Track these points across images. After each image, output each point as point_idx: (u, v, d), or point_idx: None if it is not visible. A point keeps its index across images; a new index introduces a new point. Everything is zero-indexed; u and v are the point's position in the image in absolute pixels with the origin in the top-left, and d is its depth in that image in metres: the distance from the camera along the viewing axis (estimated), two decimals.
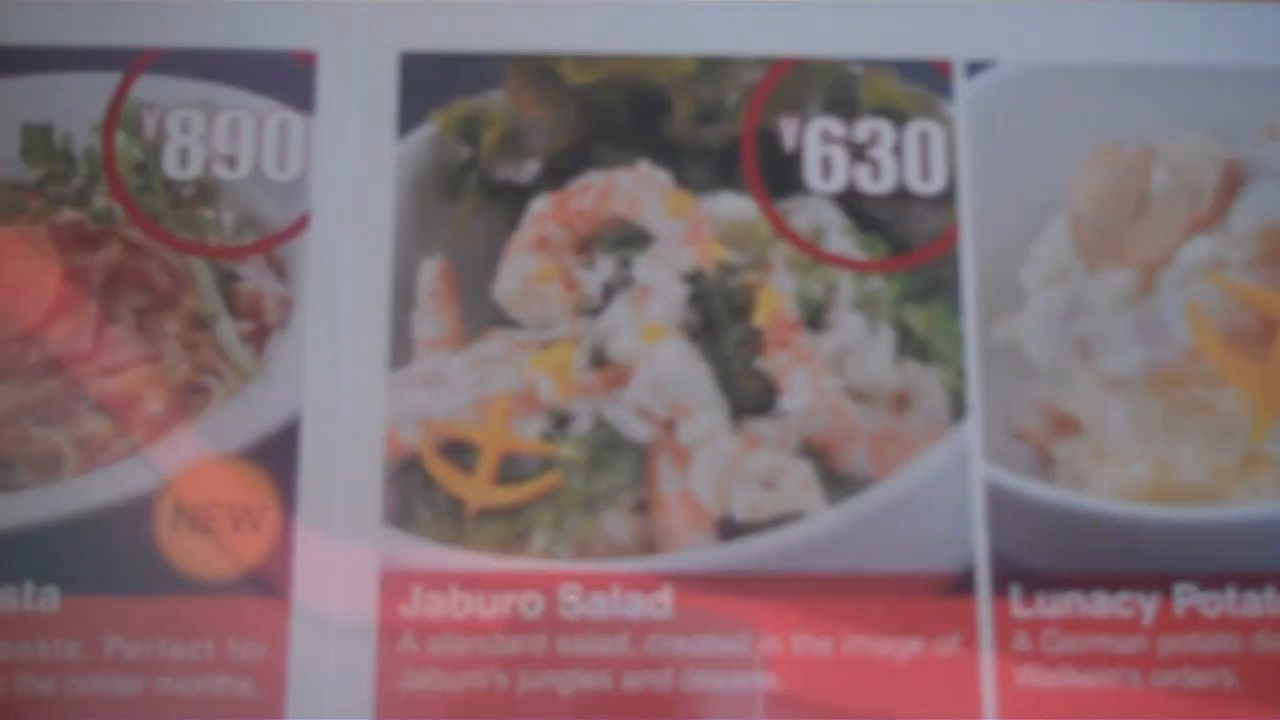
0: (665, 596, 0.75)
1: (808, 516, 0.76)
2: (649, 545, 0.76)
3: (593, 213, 0.81)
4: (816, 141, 0.82)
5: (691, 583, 0.75)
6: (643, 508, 0.77)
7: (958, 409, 0.78)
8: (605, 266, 0.80)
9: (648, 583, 0.75)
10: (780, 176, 0.81)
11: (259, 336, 0.79)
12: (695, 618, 0.74)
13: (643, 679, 0.74)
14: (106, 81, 0.81)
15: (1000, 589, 0.75)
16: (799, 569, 0.75)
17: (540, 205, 0.81)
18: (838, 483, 0.77)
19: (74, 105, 0.81)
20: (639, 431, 0.78)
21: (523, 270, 0.80)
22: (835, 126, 0.82)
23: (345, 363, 0.78)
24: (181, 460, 0.76)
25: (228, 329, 0.79)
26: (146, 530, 0.75)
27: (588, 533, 0.76)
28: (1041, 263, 0.81)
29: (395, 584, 0.75)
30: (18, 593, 0.74)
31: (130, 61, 0.81)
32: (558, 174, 0.82)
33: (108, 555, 0.75)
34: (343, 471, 0.76)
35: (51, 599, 0.74)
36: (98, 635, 0.74)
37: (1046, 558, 0.76)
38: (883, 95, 0.82)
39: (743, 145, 0.81)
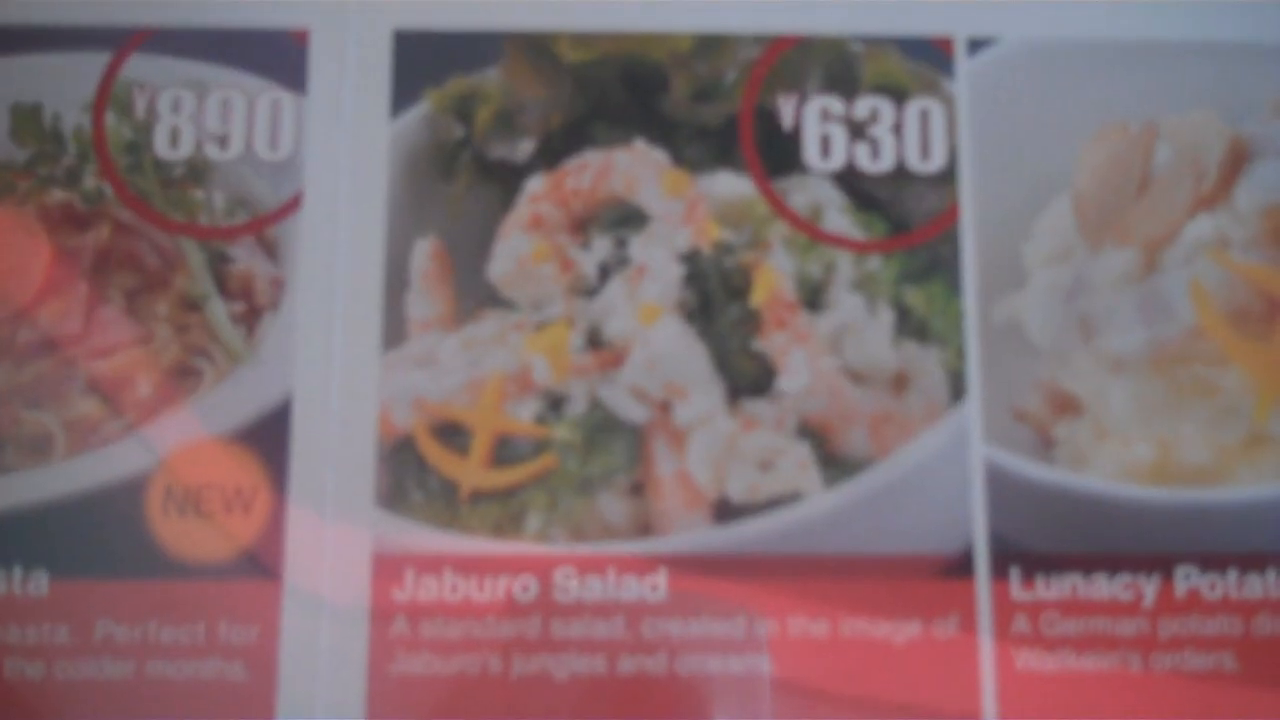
0: (660, 579, 0.74)
1: (805, 498, 0.75)
2: (644, 527, 0.76)
3: (588, 192, 0.80)
4: (816, 120, 0.81)
5: (687, 565, 0.74)
6: (638, 490, 0.76)
7: (957, 389, 0.77)
8: (601, 246, 0.80)
9: (643, 565, 0.74)
10: (779, 155, 0.80)
11: (250, 318, 0.78)
12: (691, 600, 0.74)
13: (638, 662, 0.73)
14: (97, 61, 0.81)
15: (999, 571, 0.75)
16: (796, 551, 0.75)
17: (535, 185, 0.80)
18: (836, 464, 0.76)
19: (64, 85, 0.81)
20: (634, 413, 0.77)
21: (517, 250, 0.79)
22: (835, 105, 0.81)
23: (337, 344, 0.77)
24: (172, 442, 0.76)
25: (218, 310, 0.78)
26: (137, 513, 0.74)
27: (582, 515, 0.76)
28: (1043, 241, 0.80)
29: (388, 567, 0.74)
30: (6, 576, 0.74)
31: (121, 41, 0.81)
32: (553, 153, 0.81)
33: (98, 538, 0.74)
34: (335, 453, 0.75)
35: (40, 582, 0.74)
36: (87, 619, 0.73)
37: (1046, 539, 0.75)
38: (883, 73, 0.81)
39: (741, 124, 0.81)
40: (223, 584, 0.74)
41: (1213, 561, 0.75)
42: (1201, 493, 0.76)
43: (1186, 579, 0.75)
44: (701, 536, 0.75)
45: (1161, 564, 0.75)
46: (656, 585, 0.74)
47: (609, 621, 0.74)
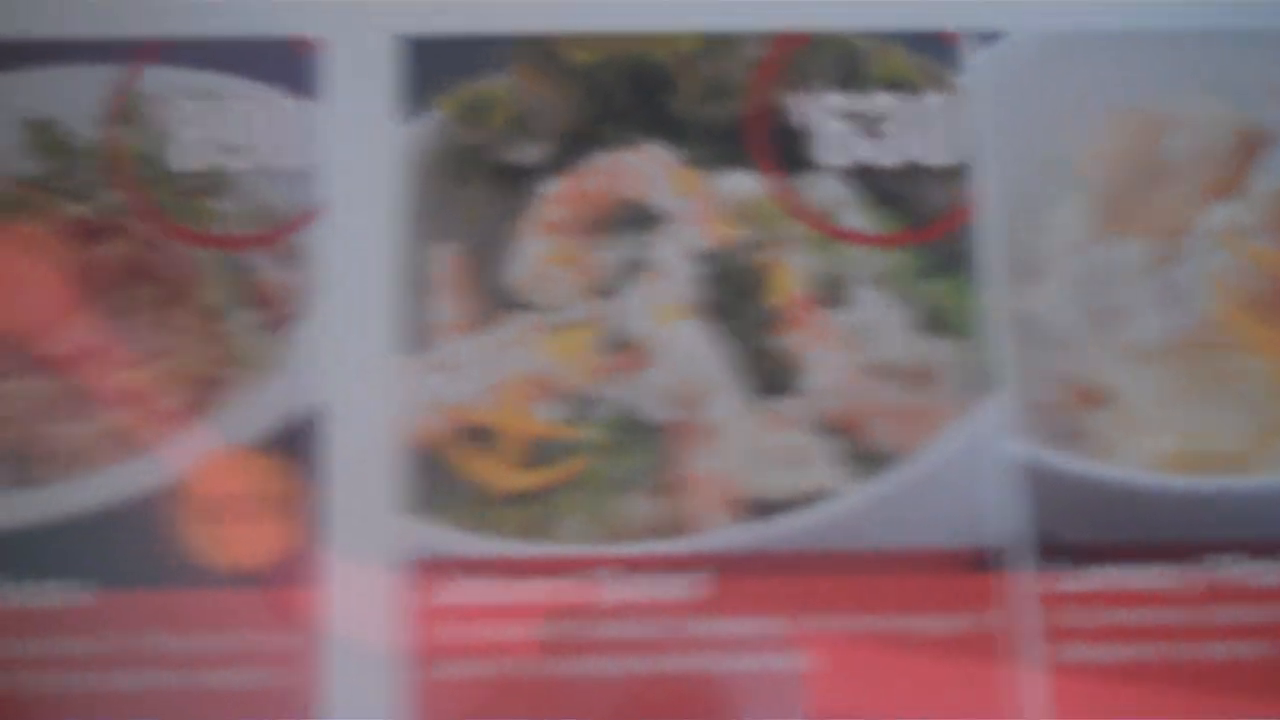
0: (692, 579, 0.74)
1: (833, 495, 0.75)
2: (674, 527, 0.76)
3: (602, 194, 0.80)
4: (826, 117, 0.81)
5: (717, 564, 0.74)
6: (666, 490, 0.76)
7: (980, 383, 0.77)
8: (617, 248, 0.80)
9: (674, 565, 0.74)
10: (790, 153, 0.81)
11: (273, 327, 0.78)
12: (722, 599, 0.74)
13: (672, 662, 0.73)
14: (110, 74, 0.81)
15: (1030, 564, 0.74)
16: (826, 548, 0.75)
17: (550, 188, 0.80)
18: (862, 460, 0.76)
19: (79, 99, 0.81)
20: (659, 413, 0.77)
21: (535, 254, 0.80)
22: (844, 101, 0.81)
23: (361, 351, 0.77)
24: (201, 453, 0.75)
25: (241, 320, 0.78)
26: (172, 524, 0.74)
27: (612, 516, 0.76)
28: (1059, 233, 0.80)
29: (422, 572, 0.74)
30: (49, 588, 0.74)
31: (134, 53, 0.81)
32: (566, 156, 0.81)
33: (134, 550, 0.74)
34: (364, 460, 0.75)
35: (82, 594, 0.73)
36: (130, 630, 0.73)
37: (1079, 530, 0.75)
38: (892, 68, 0.82)
39: (751, 122, 0.81)
40: (260, 593, 0.74)
41: (1252, 548, 0.75)
42: (1231, 480, 0.76)
43: (1225, 567, 0.75)
44: (730, 535, 0.75)
45: (1199, 552, 0.75)
46: (688, 585, 0.74)
47: (642, 622, 0.74)
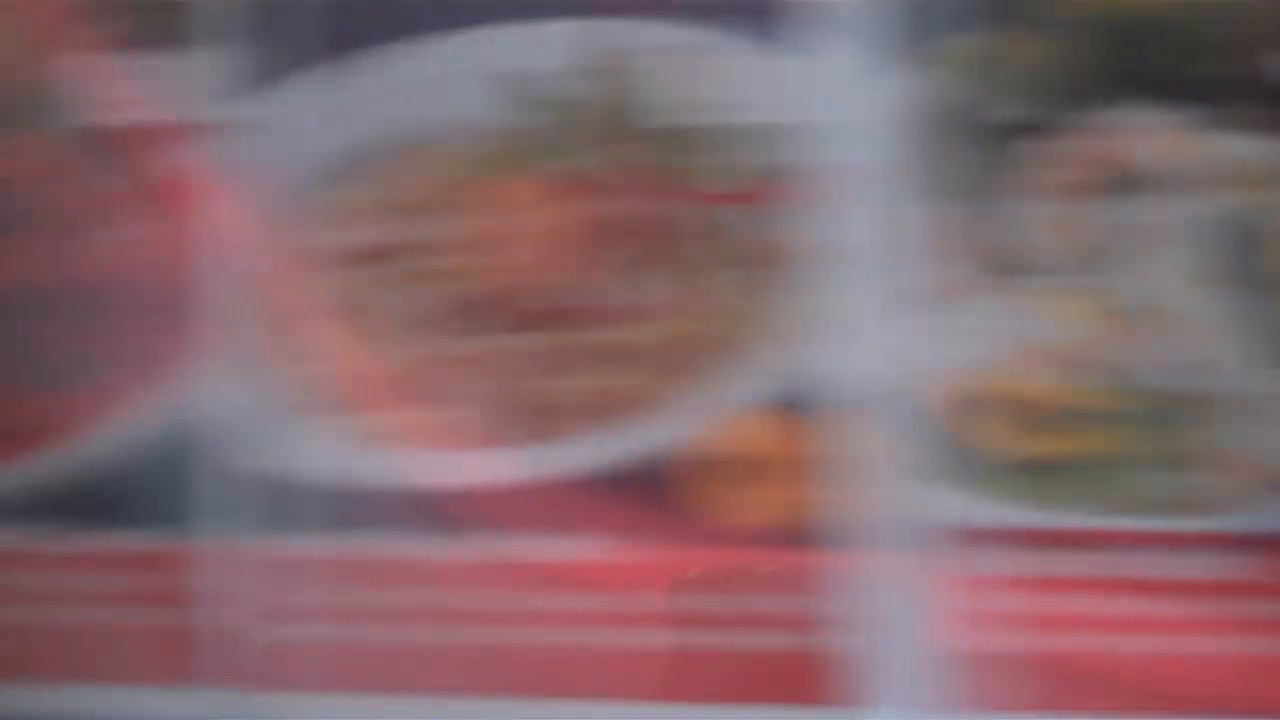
0: (1220, 557, 0.72)
1: None
2: (1198, 503, 0.73)
3: (1103, 156, 0.78)
4: None
5: (1252, 543, 0.72)
6: (1188, 464, 0.74)
7: None
8: (1120, 212, 0.77)
9: (1199, 542, 0.72)
10: None
11: (766, 286, 0.77)
12: (1260, 580, 0.71)
13: (1200, 644, 0.71)
14: (591, 29, 0.81)
15: None
16: None
17: (1048, 149, 0.78)
18: None
19: (560, 54, 0.81)
20: (1172, 384, 0.74)
21: (1035, 217, 0.78)
22: None
23: (864, 313, 0.76)
24: (705, 414, 0.75)
25: (732, 279, 0.78)
26: (682, 483, 0.74)
27: (1129, 489, 0.74)
28: None
29: (935, 539, 0.73)
30: (532, 544, 0.74)
31: (615, 8, 0.80)
32: (1059, 116, 0.79)
33: (645, 508, 0.74)
34: (872, 425, 0.74)
35: (576, 549, 0.74)
36: (642, 589, 0.73)
37: None
38: None
39: (1251, 84, 0.78)
40: (772, 554, 0.73)
41: None
42: None
43: None
44: (1261, 514, 0.72)
45: None
46: (1219, 564, 0.72)
47: (1160, 600, 0.71)
